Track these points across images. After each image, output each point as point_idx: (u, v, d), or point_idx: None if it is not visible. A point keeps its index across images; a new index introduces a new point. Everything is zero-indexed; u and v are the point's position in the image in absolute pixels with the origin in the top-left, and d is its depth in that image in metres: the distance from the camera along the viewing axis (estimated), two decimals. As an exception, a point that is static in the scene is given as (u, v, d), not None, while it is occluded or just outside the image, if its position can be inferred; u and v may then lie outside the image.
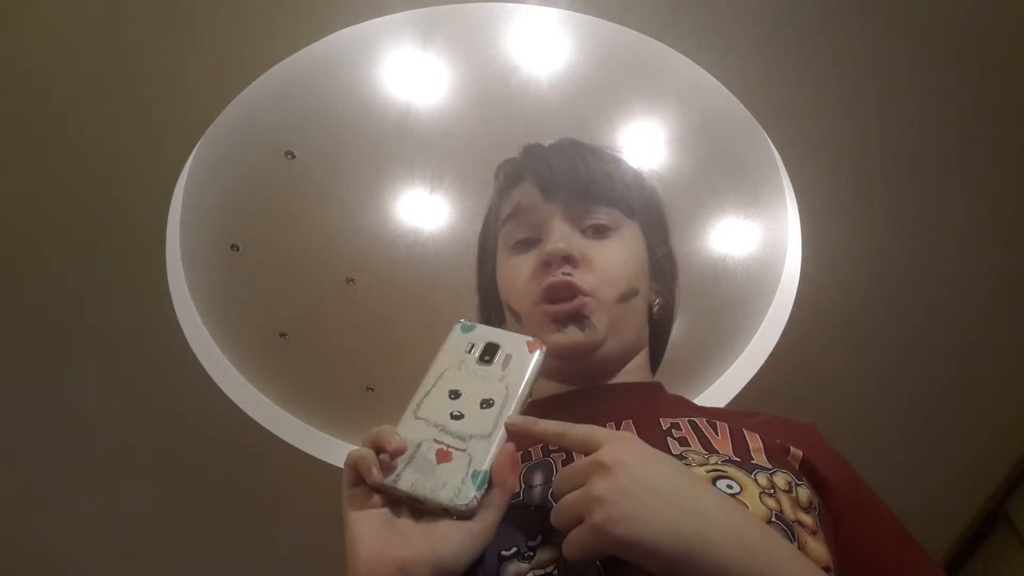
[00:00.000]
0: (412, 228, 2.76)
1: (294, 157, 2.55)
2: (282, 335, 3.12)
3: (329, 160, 2.58)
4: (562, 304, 0.69)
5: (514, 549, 0.52)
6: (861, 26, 2.07)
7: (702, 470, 0.57)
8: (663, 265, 0.82)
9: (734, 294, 2.95)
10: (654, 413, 0.68)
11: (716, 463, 0.58)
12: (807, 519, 0.56)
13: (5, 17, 1.99)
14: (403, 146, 2.52)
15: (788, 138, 2.32)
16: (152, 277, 2.60)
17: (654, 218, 0.83)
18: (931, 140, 2.31)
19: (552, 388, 0.74)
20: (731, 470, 0.57)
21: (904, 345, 2.83)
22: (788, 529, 0.53)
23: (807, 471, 0.62)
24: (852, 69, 2.16)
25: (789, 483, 0.58)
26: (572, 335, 0.69)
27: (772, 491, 0.56)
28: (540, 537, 0.53)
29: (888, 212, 2.49)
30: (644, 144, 2.51)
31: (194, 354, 2.87)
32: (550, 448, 0.63)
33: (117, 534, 3.65)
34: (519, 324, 0.73)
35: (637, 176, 0.83)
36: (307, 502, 3.53)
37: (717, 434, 0.65)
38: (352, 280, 2.93)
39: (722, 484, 0.55)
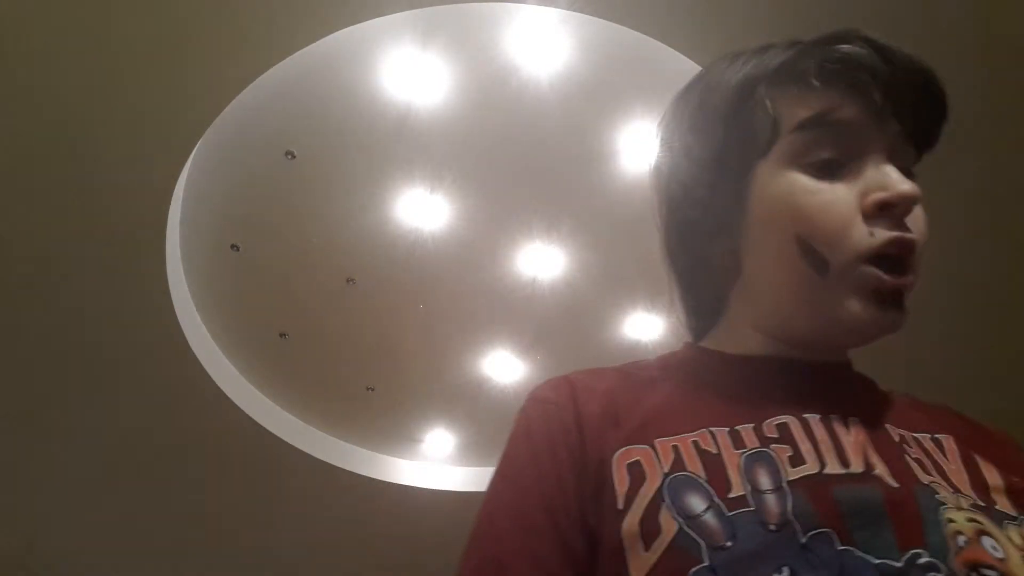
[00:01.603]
0: (412, 228, 2.76)
1: (294, 157, 2.55)
2: (282, 335, 3.12)
3: (329, 160, 2.58)
4: (897, 278, 0.53)
5: None
6: (860, 26, 2.07)
7: (962, 518, 0.46)
8: None
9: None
10: (878, 416, 0.55)
11: (969, 509, 0.47)
12: None
13: (5, 18, 1.99)
14: (403, 146, 2.52)
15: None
16: (152, 277, 2.60)
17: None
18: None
19: (772, 347, 0.59)
20: (986, 522, 0.46)
21: (903, 345, 2.83)
22: None
23: None
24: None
25: None
26: (891, 320, 0.54)
27: None
28: (787, 570, 0.43)
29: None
30: (644, 144, 2.51)
31: (194, 354, 2.87)
32: (766, 434, 0.51)
33: (117, 533, 3.65)
34: (820, 275, 0.54)
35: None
36: (307, 502, 3.53)
37: (947, 457, 0.53)
38: (352, 280, 2.93)
39: (987, 544, 0.44)
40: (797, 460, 0.49)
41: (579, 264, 2.85)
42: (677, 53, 2.16)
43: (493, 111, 2.44)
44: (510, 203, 2.70)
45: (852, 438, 0.51)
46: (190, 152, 2.33)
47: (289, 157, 2.55)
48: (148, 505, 3.51)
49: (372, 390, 3.35)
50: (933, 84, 0.59)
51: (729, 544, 0.45)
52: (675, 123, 0.65)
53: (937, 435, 0.55)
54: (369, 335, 3.13)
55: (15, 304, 2.67)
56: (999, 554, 0.44)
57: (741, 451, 0.50)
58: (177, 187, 2.43)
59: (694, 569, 0.44)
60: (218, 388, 3.01)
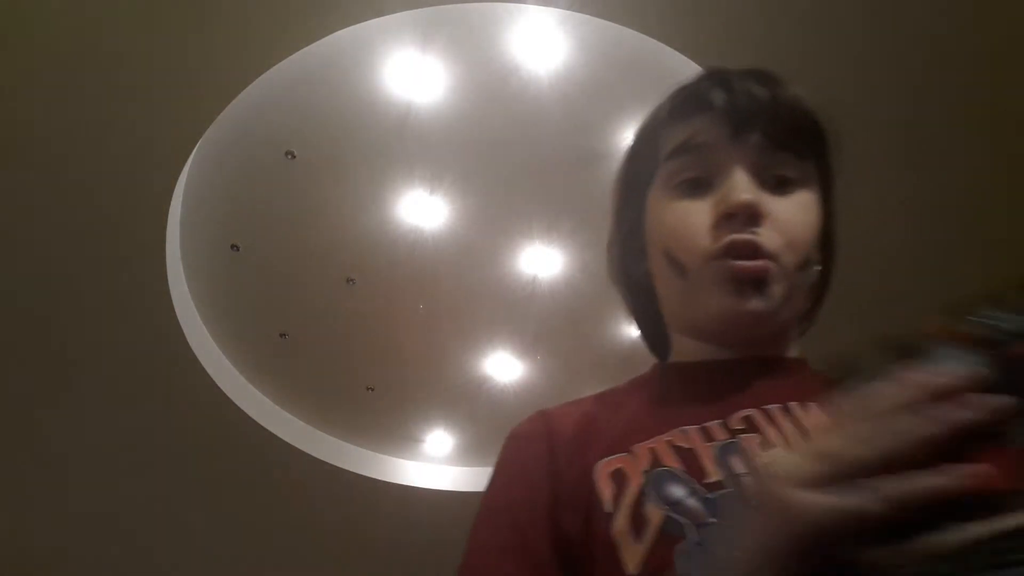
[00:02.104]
0: (412, 228, 2.76)
1: (294, 157, 2.55)
2: (282, 335, 3.12)
3: (329, 160, 2.58)
4: (748, 261, 0.59)
5: None
6: (861, 26, 2.07)
7: None
8: (829, 237, 0.72)
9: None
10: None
11: None
12: None
13: (5, 19, 1.99)
14: (403, 146, 2.52)
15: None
16: (152, 277, 2.60)
17: (830, 179, 0.72)
18: (931, 140, 2.31)
19: (707, 351, 0.65)
20: None
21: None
22: None
23: None
24: (852, 69, 2.16)
25: None
26: (752, 303, 0.59)
27: None
28: None
29: (888, 212, 2.49)
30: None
31: (194, 354, 2.87)
32: (733, 426, 0.55)
33: (117, 533, 3.65)
34: (682, 278, 0.63)
35: (831, 124, 0.69)
36: (307, 502, 3.53)
37: None
38: (352, 280, 2.93)
39: None
40: (766, 445, 0.53)
41: (579, 264, 2.85)
42: (677, 53, 2.16)
43: (493, 111, 2.44)
44: (510, 203, 2.70)
45: (813, 420, 0.55)
46: (190, 152, 2.33)
47: (289, 157, 2.55)
48: (148, 505, 3.51)
49: (372, 390, 3.35)
50: (779, 98, 0.65)
51: (713, 520, 0.48)
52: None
53: None
54: (369, 335, 3.13)
55: (15, 304, 2.67)
56: None
57: (712, 443, 0.54)
58: (177, 187, 2.43)
59: (680, 545, 0.48)
60: (218, 388, 3.01)
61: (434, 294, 2.96)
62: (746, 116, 0.63)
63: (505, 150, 2.54)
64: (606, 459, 0.56)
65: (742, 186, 0.61)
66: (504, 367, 3.26)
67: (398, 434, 3.54)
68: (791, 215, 0.62)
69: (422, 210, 2.71)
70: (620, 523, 0.51)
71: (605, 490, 0.54)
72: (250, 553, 3.81)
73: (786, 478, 0.37)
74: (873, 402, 0.36)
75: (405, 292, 2.96)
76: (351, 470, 3.44)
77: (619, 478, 0.54)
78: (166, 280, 2.62)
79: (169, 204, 2.44)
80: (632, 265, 0.71)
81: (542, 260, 2.85)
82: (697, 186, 0.64)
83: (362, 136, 2.49)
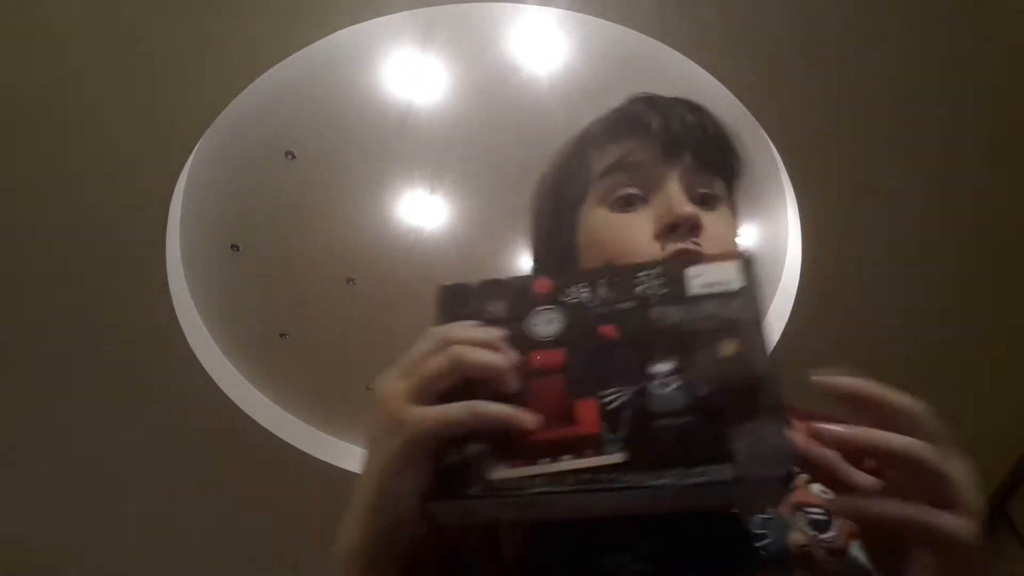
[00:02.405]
0: (412, 228, 2.76)
1: (294, 157, 2.55)
2: (282, 335, 3.12)
3: (329, 160, 2.58)
4: None
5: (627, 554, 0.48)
6: (862, 26, 2.07)
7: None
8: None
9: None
10: None
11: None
12: None
13: (5, 20, 1.99)
14: (403, 146, 2.52)
15: (788, 138, 2.32)
16: (152, 278, 2.60)
17: (737, 201, 0.78)
18: (932, 140, 2.30)
19: None
20: None
21: (904, 345, 2.83)
22: None
23: None
24: (853, 69, 2.16)
25: None
26: None
27: None
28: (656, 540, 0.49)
29: (888, 212, 2.49)
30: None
31: (194, 354, 2.87)
32: None
33: (116, 533, 3.65)
34: None
35: (745, 152, 0.77)
36: (307, 501, 3.53)
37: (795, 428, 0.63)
38: (352, 280, 2.93)
39: (814, 490, 0.55)
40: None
41: (579, 264, 2.84)
42: (677, 53, 2.16)
43: (493, 111, 2.44)
44: (510, 203, 2.70)
45: None
46: (190, 152, 2.33)
47: (289, 157, 2.55)
48: (148, 505, 3.51)
49: (372, 390, 3.34)
50: (707, 125, 0.70)
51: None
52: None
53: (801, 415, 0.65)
54: (369, 335, 3.13)
55: (15, 304, 2.67)
56: (822, 499, 0.55)
57: None
58: (177, 187, 2.43)
59: (555, 536, 0.52)
60: (218, 388, 3.01)
61: (434, 294, 2.95)
62: (679, 138, 0.68)
63: (505, 150, 2.54)
64: None
65: (683, 199, 0.65)
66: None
67: (398, 434, 3.54)
68: (718, 229, 0.67)
69: (422, 210, 2.71)
70: None
71: None
72: (250, 553, 3.81)
73: (392, 396, 0.48)
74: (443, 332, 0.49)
75: (405, 292, 2.96)
76: (351, 470, 3.44)
77: None
78: (166, 280, 2.62)
79: (169, 204, 2.44)
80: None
81: (542, 260, 2.85)
82: (631, 202, 0.68)
83: (362, 136, 2.49)
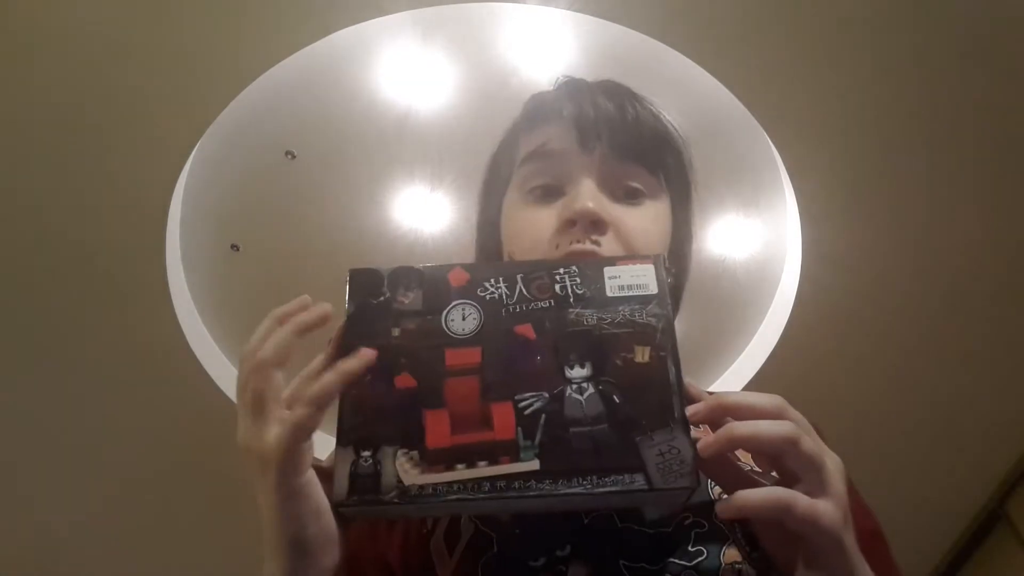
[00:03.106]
0: (412, 228, 2.76)
1: (294, 157, 2.55)
2: (282, 335, 3.12)
3: (329, 160, 2.58)
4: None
5: (542, 560, 0.48)
6: (862, 25, 2.07)
7: None
8: (680, 251, 0.72)
9: (733, 294, 2.95)
10: None
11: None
12: None
13: (4, 18, 1.99)
14: (403, 146, 2.52)
15: (788, 138, 2.32)
16: (152, 277, 2.60)
17: (684, 194, 0.73)
18: (934, 139, 2.31)
19: None
20: None
21: (905, 345, 2.83)
22: None
23: None
24: (853, 69, 2.16)
25: None
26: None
27: None
28: (569, 547, 0.48)
29: (889, 212, 2.49)
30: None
31: (194, 354, 2.87)
32: None
33: (116, 533, 3.65)
34: None
35: (682, 142, 0.71)
36: (307, 502, 3.53)
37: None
38: (352, 280, 2.92)
39: None
40: None
41: (579, 264, 2.84)
42: (677, 53, 2.16)
43: (493, 111, 2.43)
44: (510, 203, 2.70)
45: None
46: (190, 152, 2.33)
47: (289, 157, 2.55)
48: (148, 505, 3.51)
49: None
50: (627, 111, 0.67)
51: (518, 532, 0.50)
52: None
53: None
54: (369, 335, 3.13)
55: (13, 304, 2.67)
56: None
57: None
58: (177, 187, 2.43)
59: (483, 559, 0.50)
60: (218, 388, 3.01)
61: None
62: (592, 127, 0.64)
63: (505, 150, 2.53)
64: None
65: (586, 194, 0.61)
66: (504, 367, 3.25)
67: (398, 434, 3.54)
68: (637, 225, 0.62)
69: (422, 210, 2.71)
70: (437, 540, 0.54)
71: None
72: (250, 553, 3.80)
73: (246, 439, 0.49)
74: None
75: (405, 292, 2.95)
76: (351, 470, 3.44)
77: None
78: (166, 280, 2.62)
79: (169, 204, 2.44)
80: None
81: (542, 260, 2.85)
82: (548, 193, 0.65)
83: (362, 136, 2.49)
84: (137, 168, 2.33)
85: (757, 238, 2.81)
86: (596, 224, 0.60)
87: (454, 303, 0.48)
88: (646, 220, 0.64)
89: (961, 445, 3.10)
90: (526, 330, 0.46)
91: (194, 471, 3.37)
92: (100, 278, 2.61)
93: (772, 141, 2.34)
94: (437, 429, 0.44)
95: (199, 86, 2.17)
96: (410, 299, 0.52)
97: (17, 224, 2.45)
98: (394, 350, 0.48)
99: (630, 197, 0.65)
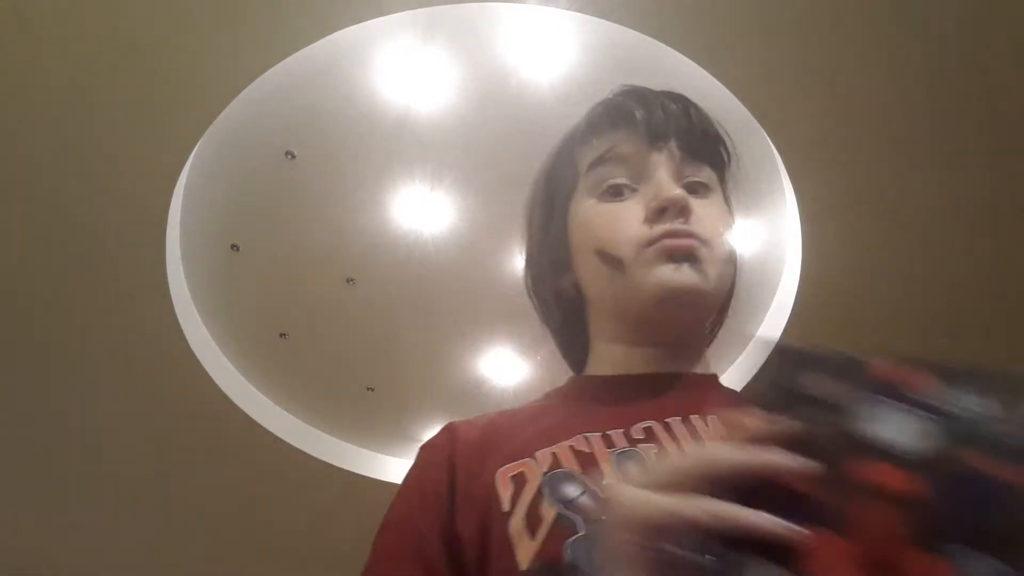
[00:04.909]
0: (412, 228, 2.76)
1: (294, 157, 2.55)
2: (282, 335, 3.12)
3: (329, 160, 2.58)
4: (683, 239, 0.63)
5: None
6: (862, 26, 2.07)
7: None
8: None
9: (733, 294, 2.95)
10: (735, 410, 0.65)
11: None
12: None
13: (5, 18, 1.99)
14: (403, 146, 2.52)
15: (788, 138, 2.32)
16: (152, 277, 2.60)
17: (730, 194, 0.77)
18: (934, 140, 2.31)
19: (627, 360, 0.69)
20: None
21: (904, 345, 2.83)
22: None
23: None
24: (853, 69, 2.16)
25: None
26: (688, 275, 0.62)
27: None
28: None
29: (889, 212, 2.49)
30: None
31: (194, 354, 2.87)
32: (634, 436, 0.58)
33: (116, 533, 3.65)
34: (619, 271, 0.66)
35: (733, 143, 0.77)
36: (307, 502, 3.53)
37: None
38: (352, 280, 2.93)
39: None
40: (662, 455, 0.56)
41: (579, 264, 2.84)
42: (677, 53, 2.16)
43: (493, 111, 2.44)
44: (510, 203, 2.69)
45: (711, 432, 0.59)
46: (190, 152, 2.33)
47: (289, 157, 2.55)
48: (148, 505, 3.51)
49: (372, 390, 3.35)
50: (691, 114, 0.70)
51: (605, 518, 0.47)
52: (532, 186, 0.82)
53: None
54: (369, 335, 3.13)
55: (15, 304, 2.67)
56: None
57: (612, 450, 0.57)
58: (177, 187, 2.43)
59: (570, 540, 0.50)
60: (218, 388, 3.01)
61: (434, 294, 2.95)
62: (664, 127, 0.69)
63: (505, 150, 2.54)
64: (508, 464, 0.59)
65: (671, 183, 0.66)
66: (504, 367, 3.25)
67: (398, 434, 3.54)
68: (709, 214, 0.67)
69: (422, 210, 2.71)
70: (516, 522, 0.54)
71: (504, 492, 0.56)
72: (249, 553, 3.81)
73: (630, 480, 0.41)
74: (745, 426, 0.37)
75: (405, 292, 2.96)
76: (351, 470, 3.44)
77: (519, 481, 0.57)
78: (166, 280, 2.62)
79: (169, 204, 2.44)
80: (558, 278, 0.74)
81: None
82: (621, 191, 0.68)
83: (362, 136, 2.49)
84: (137, 168, 2.33)
85: (757, 238, 2.81)
86: (684, 209, 0.64)
87: (898, 404, 0.34)
88: (714, 212, 0.69)
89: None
90: (1002, 470, 0.32)
91: (193, 470, 3.37)
92: (100, 278, 2.61)
93: (772, 141, 2.34)
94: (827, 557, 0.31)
95: (199, 86, 2.17)
96: (838, 391, 0.35)
97: (17, 224, 2.45)
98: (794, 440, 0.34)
99: (696, 191, 0.69)
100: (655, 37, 2.13)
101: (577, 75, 2.33)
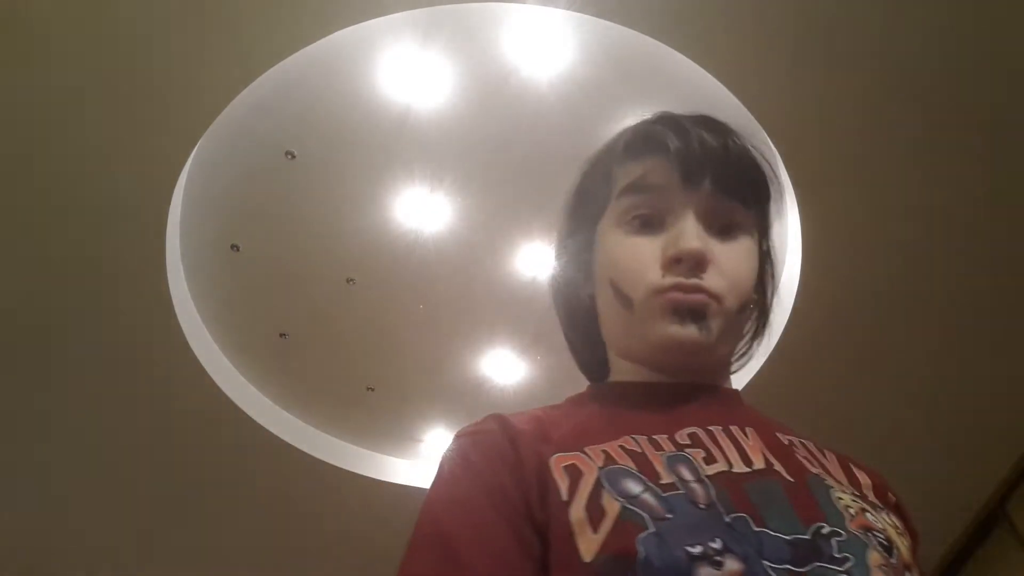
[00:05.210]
0: (412, 228, 2.76)
1: (294, 157, 2.55)
2: (282, 335, 3.12)
3: (329, 160, 2.58)
4: (690, 294, 0.64)
5: (699, 548, 0.50)
6: (863, 25, 2.07)
7: (848, 497, 0.57)
8: (763, 273, 0.75)
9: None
10: (767, 426, 0.66)
11: (854, 493, 0.59)
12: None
13: (3, 17, 1.99)
14: (403, 146, 2.52)
15: (788, 138, 2.32)
16: (152, 278, 2.60)
17: (768, 218, 0.75)
18: (934, 139, 2.31)
19: (646, 376, 0.69)
20: (864, 504, 0.58)
21: (904, 345, 2.83)
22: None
23: (900, 518, 0.63)
24: (853, 68, 2.16)
25: (897, 526, 0.59)
26: (691, 332, 0.63)
27: (902, 532, 0.58)
28: (720, 541, 0.50)
29: (889, 212, 2.49)
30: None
31: (194, 354, 2.87)
32: (679, 441, 0.60)
33: (116, 534, 3.65)
34: (628, 310, 0.67)
35: (774, 176, 0.73)
36: (307, 502, 3.53)
37: (827, 459, 0.65)
38: (352, 280, 2.93)
39: (869, 517, 0.56)
40: (710, 460, 0.57)
41: (579, 264, 2.84)
42: (677, 53, 2.16)
43: (493, 111, 2.44)
44: (510, 203, 2.70)
45: (751, 442, 0.61)
46: (190, 152, 2.33)
47: (289, 157, 2.55)
48: (147, 505, 3.51)
49: (372, 390, 3.35)
50: (730, 148, 0.68)
51: (670, 516, 0.51)
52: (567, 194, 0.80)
53: (819, 446, 0.66)
54: (369, 335, 3.13)
55: (14, 304, 2.67)
56: (880, 525, 0.56)
57: (660, 452, 0.58)
58: (177, 187, 2.43)
59: (642, 535, 0.50)
60: (218, 388, 3.01)
61: (434, 294, 2.95)
62: (699, 162, 0.66)
63: (505, 150, 2.54)
64: (557, 455, 0.58)
65: (692, 233, 0.64)
66: (504, 367, 3.25)
67: (398, 434, 3.54)
68: (734, 261, 0.66)
69: (422, 210, 2.71)
70: (577, 511, 0.53)
71: (561, 480, 0.56)
72: (249, 553, 3.81)
73: None
74: None
75: (405, 292, 2.95)
76: (351, 470, 3.44)
77: (573, 472, 0.56)
78: (166, 280, 2.62)
79: (169, 204, 2.44)
80: (579, 288, 0.75)
81: (542, 260, 2.85)
82: (648, 224, 0.67)
83: (362, 136, 2.49)
84: (137, 168, 2.33)
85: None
86: (700, 263, 0.64)
87: None
88: (741, 255, 0.68)
89: (961, 445, 3.10)
90: None
91: (193, 470, 3.37)
92: (100, 278, 2.61)
93: (773, 141, 2.34)
94: None
95: (199, 86, 2.17)
96: None
97: (17, 224, 2.45)
98: None
99: (725, 232, 0.68)
100: (655, 37, 2.13)
101: (577, 75, 2.33)
